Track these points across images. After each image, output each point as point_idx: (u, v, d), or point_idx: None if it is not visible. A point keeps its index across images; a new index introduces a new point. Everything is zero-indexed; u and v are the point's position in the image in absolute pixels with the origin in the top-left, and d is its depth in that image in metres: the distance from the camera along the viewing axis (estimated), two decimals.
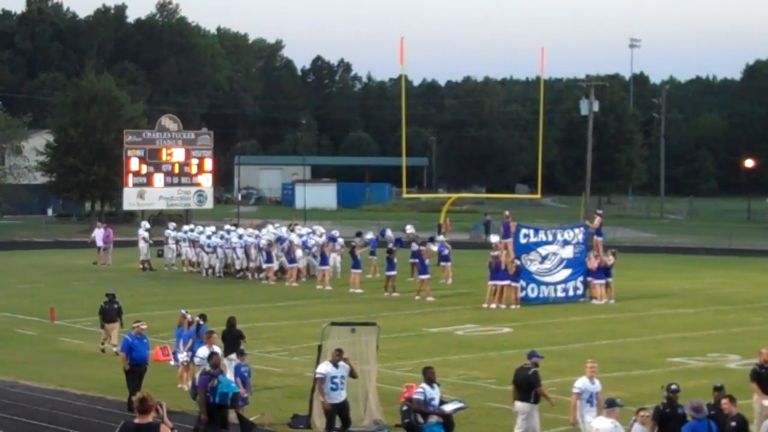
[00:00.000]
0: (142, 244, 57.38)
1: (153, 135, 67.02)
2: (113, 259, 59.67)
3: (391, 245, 50.24)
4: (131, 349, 25.88)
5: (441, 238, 52.63)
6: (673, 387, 19.43)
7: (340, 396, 22.77)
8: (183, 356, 27.50)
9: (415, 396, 21.01)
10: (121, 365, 26.35)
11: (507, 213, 47.48)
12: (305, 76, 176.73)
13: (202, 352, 24.70)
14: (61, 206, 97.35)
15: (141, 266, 57.07)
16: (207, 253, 54.17)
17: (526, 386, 21.75)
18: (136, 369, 25.77)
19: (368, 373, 24.00)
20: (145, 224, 59.25)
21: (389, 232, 55.56)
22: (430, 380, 21.02)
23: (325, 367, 22.79)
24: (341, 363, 22.78)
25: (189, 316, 28.19)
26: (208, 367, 22.53)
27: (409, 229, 55.69)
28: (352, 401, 23.74)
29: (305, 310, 41.40)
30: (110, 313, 32.72)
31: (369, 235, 54.65)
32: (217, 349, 24.77)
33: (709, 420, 18.20)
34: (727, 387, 20.56)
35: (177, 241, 57.82)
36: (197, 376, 23.19)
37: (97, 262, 59.51)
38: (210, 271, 53.81)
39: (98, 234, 60.77)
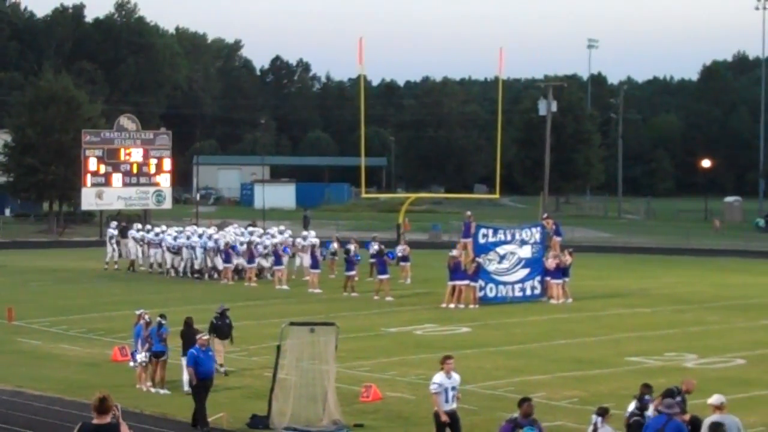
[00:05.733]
0: (111, 246, 56.88)
1: (111, 135, 66.77)
2: None
3: (349, 246, 50.20)
4: (197, 363, 24.65)
5: (399, 249, 51.82)
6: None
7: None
8: (141, 356, 27.43)
9: None
10: (76, 367, 26.15)
11: (469, 213, 47.41)
12: (264, 76, 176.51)
13: (439, 378, 21.06)
14: (19, 206, 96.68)
15: (107, 267, 56.53)
16: (171, 253, 53.87)
17: None
18: (202, 383, 24.54)
19: (327, 373, 24.02)
20: (114, 224, 58.84)
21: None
22: None
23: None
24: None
25: (147, 317, 28.15)
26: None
27: (375, 246, 53.47)
28: (311, 401, 23.78)
29: (264, 310, 41.35)
30: (223, 329, 29.79)
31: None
32: (457, 376, 21.40)
33: (668, 417, 18.24)
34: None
35: (135, 241, 57.52)
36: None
37: None
38: (172, 271, 53.57)
39: None
